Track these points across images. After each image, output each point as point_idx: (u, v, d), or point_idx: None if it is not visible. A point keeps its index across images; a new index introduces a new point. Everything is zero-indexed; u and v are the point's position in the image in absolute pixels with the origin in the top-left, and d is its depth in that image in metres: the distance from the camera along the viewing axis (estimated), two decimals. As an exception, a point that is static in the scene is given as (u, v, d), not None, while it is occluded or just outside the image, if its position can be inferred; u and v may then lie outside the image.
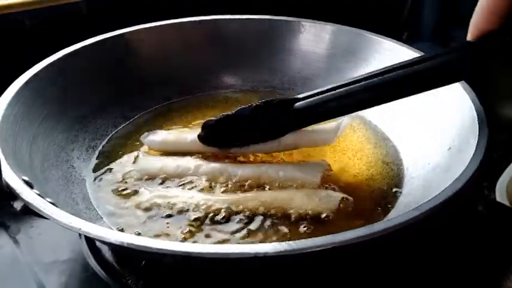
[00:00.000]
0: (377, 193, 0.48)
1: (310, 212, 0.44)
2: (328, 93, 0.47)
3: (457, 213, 0.48)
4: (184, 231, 0.43)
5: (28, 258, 0.45)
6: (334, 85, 0.47)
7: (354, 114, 0.59)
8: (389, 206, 0.46)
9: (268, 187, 0.47)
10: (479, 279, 0.44)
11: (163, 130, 0.55)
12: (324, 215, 0.44)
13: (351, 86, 0.46)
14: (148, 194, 0.46)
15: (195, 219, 0.44)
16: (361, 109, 0.49)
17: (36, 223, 0.48)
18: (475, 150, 0.42)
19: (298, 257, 0.33)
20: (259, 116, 0.49)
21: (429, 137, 0.51)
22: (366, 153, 0.53)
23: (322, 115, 0.48)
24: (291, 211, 0.45)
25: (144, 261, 0.42)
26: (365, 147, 0.54)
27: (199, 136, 0.51)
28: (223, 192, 0.47)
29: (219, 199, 0.45)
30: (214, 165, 0.49)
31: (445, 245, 0.47)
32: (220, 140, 0.50)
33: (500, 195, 0.57)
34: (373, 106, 0.48)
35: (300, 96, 0.48)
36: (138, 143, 0.54)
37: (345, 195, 0.46)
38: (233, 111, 0.49)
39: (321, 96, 0.47)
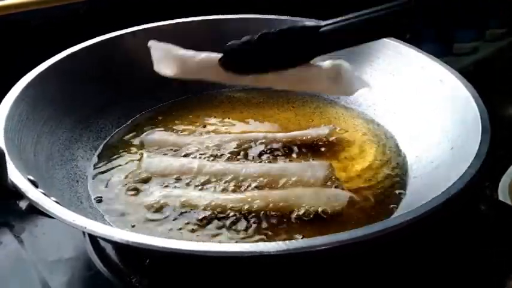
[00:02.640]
0: (381, 192, 0.48)
1: (318, 210, 0.45)
2: (353, 20, 0.45)
3: (460, 213, 0.48)
4: (191, 230, 0.43)
5: (32, 257, 0.45)
6: (359, 13, 0.45)
7: (355, 113, 0.59)
8: (393, 205, 0.46)
9: (272, 186, 0.47)
10: (483, 278, 0.44)
11: (165, 131, 0.56)
12: (329, 214, 0.45)
13: (376, 14, 0.44)
14: (153, 193, 0.47)
15: (201, 219, 0.44)
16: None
17: (41, 222, 0.48)
18: (478, 149, 0.42)
19: (303, 256, 0.33)
20: (283, 40, 0.46)
21: (432, 136, 0.51)
22: (369, 152, 0.53)
23: (347, 40, 0.47)
24: (299, 209, 0.45)
25: (148, 260, 0.42)
26: (368, 146, 0.54)
27: (220, 60, 0.48)
28: (229, 191, 0.47)
29: (225, 198, 0.45)
30: (218, 165, 0.49)
31: (449, 244, 0.47)
32: (242, 65, 0.48)
33: (503, 195, 0.57)
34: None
35: (323, 23, 0.46)
36: (141, 142, 0.54)
37: (352, 194, 0.47)
38: (256, 35, 0.47)
39: (345, 22, 0.45)
